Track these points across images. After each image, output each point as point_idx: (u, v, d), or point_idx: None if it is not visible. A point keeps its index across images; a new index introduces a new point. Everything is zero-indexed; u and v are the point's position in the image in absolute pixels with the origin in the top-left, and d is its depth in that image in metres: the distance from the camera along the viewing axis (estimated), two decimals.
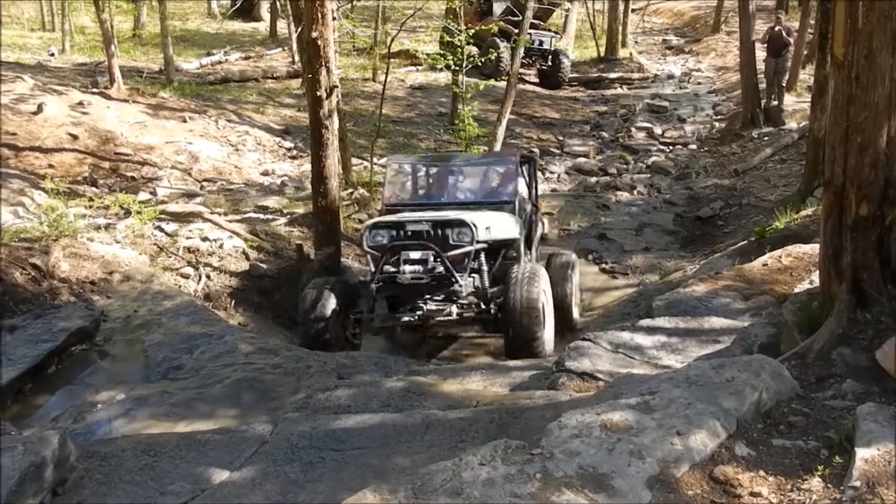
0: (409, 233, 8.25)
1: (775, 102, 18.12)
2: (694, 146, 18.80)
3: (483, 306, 8.31)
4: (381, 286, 8.17)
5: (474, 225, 8.19)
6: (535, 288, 7.95)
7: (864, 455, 3.51)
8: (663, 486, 3.47)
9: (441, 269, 8.00)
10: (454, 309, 8.16)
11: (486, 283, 8.46)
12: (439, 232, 8.21)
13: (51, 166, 13.11)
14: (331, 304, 8.39)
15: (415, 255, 8.08)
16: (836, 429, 3.85)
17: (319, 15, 9.17)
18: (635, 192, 15.83)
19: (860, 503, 3.29)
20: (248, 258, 10.86)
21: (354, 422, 5.48)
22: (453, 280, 8.03)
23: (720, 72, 25.68)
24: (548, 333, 8.14)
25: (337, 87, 9.93)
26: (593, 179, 16.63)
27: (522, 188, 10.07)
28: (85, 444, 5.35)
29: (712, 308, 7.44)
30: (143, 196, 12.45)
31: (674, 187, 16.01)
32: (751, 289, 7.68)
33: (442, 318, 8.23)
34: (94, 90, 16.61)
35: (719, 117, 20.61)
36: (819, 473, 3.55)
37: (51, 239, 8.84)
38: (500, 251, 8.99)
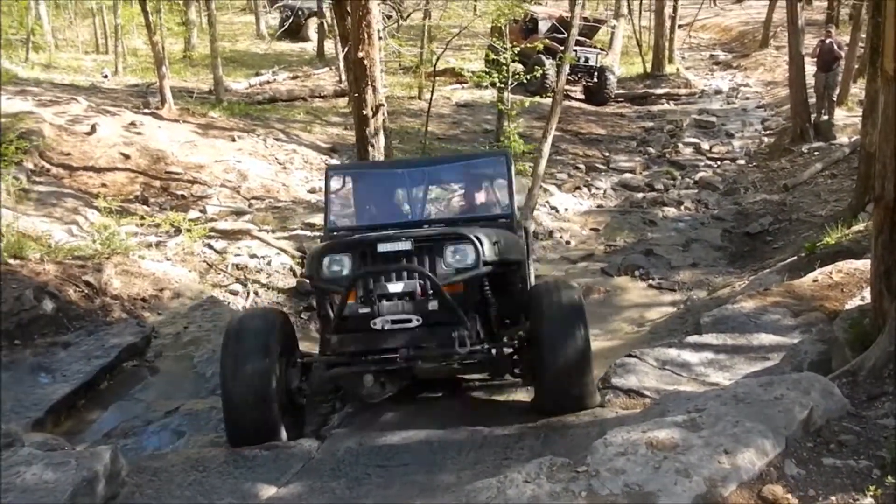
0: (383, 256, 5.64)
1: (825, 117, 17.89)
2: (742, 161, 18.61)
3: (492, 347, 5.81)
4: (343, 339, 5.65)
5: (478, 240, 5.70)
6: (579, 319, 5.67)
7: None
8: None
9: (435, 304, 5.56)
10: (457, 350, 5.57)
11: (495, 321, 6.14)
12: (426, 252, 5.70)
13: (104, 185, 13.36)
14: (269, 355, 5.54)
15: (395, 286, 5.60)
16: (888, 448, 3.78)
17: (366, 35, 9.29)
18: (682, 207, 15.70)
19: None
20: (295, 275, 10.98)
21: (400, 438, 5.50)
22: (456, 320, 5.56)
23: (769, 87, 25.42)
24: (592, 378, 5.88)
25: (383, 105, 10.03)
26: (640, 195, 16.53)
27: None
28: (136, 460, 5.45)
29: (761, 324, 7.35)
30: (193, 214, 12.64)
31: (721, 203, 15.85)
32: (800, 305, 7.58)
33: (434, 364, 5.83)
34: (146, 111, 16.95)
35: (768, 132, 20.37)
36: (871, 494, 3.48)
37: (103, 257, 9.02)
38: (504, 279, 6.43)
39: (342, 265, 5.71)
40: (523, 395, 6.51)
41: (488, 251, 5.75)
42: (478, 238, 5.69)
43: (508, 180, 7.17)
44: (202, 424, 6.51)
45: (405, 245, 5.60)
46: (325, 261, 5.75)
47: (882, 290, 4.94)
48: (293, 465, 5.24)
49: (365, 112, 9.58)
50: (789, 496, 3.50)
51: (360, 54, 9.34)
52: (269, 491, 4.86)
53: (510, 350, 6.01)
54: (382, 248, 5.61)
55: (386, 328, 5.54)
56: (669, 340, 7.47)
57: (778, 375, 4.67)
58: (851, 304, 6.33)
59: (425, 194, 7.62)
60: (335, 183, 7.37)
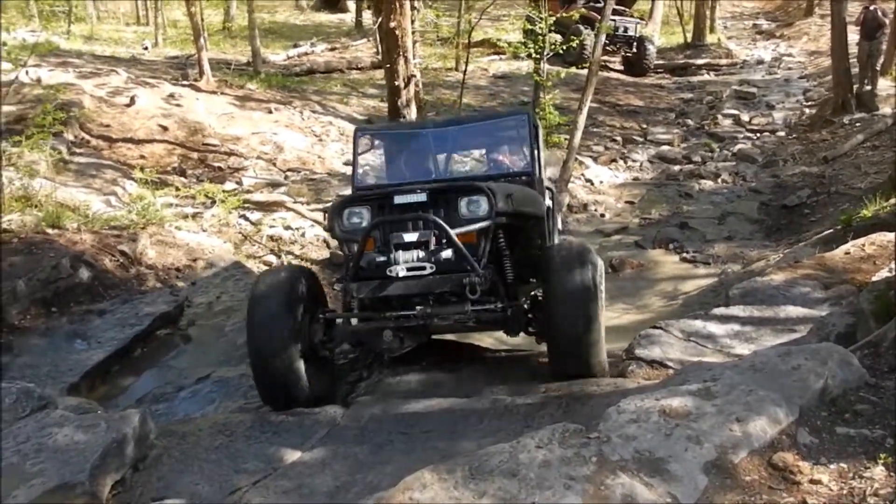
0: (399, 207, 5.85)
1: (868, 87, 17.56)
2: (782, 133, 18.35)
3: (506, 304, 5.90)
4: (360, 286, 5.75)
5: (491, 191, 5.77)
6: (591, 274, 5.66)
7: None
8: (720, 472, 3.46)
9: (449, 253, 5.71)
10: (469, 308, 5.73)
11: (510, 274, 6.18)
12: (441, 205, 5.87)
13: (142, 157, 13.55)
14: (291, 309, 5.78)
15: (410, 236, 5.79)
16: None
17: (398, 5, 9.32)
18: (719, 180, 15.55)
19: None
20: (328, 246, 11.07)
21: (423, 406, 5.58)
22: (468, 268, 5.61)
23: (812, 56, 25.02)
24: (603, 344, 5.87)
25: (415, 76, 10.08)
26: (676, 168, 16.40)
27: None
28: (165, 424, 5.58)
29: (790, 297, 7.29)
30: (230, 186, 12.79)
31: (759, 175, 15.66)
32: (831, 278, 7.51)
33: (448, 322, 5.94)
34: (185, 82, 17.13)
35: (810, 103, 20.05)
36: (883, 462, 3.49)
37: (139, 227, 9.18)
38: (521, 234, 6.57)
39: (361, 217, 5.90)
40: (546, 370, 6.54)
41: (502, 203, 5.83)
42: (491, 190, 5.77)
43: (530, 139, 7.26)
44: (232, 391, 6.64)
45: (420, 197, 5.80)
46: (345, 213, 5.92)
47: None
48: (318, 430, 5.34)
49: (397, 83, 9.63)
50: (800, 463, 3.52)
51: (392, 24, 9.37)
52: (293, 455, 4.96)
53: (525, 308, 6.13)
54: (399, 199, 5.82)
55: (401, 275, 5.66)
56: (695, 312, 7.46)
57: (797, 346, 4.66)
58: (879, 275, 6.28)
59: (449, 153, 7.90)
60: (363, 143, 7.59)
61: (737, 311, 6.88)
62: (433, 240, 5.75)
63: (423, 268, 5.67)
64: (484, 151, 8.07)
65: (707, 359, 5.90)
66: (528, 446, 3.66)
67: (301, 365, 5.78)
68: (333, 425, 5.42)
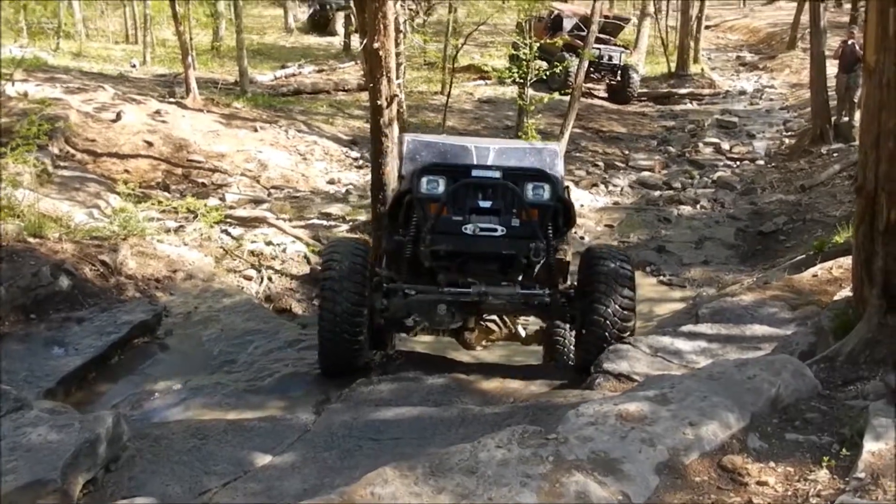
0: (476, 179, 6.63)
1: (846, 118, 17.83)
2: (762, 162, 18.64)
3: (553, 291, 6.90)
4: (436, 238, 6.47)
5: (556, 178, 6.78)
6: (631, 285, 6.73)
7: (871, 448, 3.58)
8: (671, 472, 3.59)
9: (517, 222, 6.48)
10: (519, 290, 6.77)
11: (554, 259, 6.90)
12: (509, 184, 6.56)
13: (126, 171, 13.67)
14: (365, 277, 6.62)
15: (485, 203, 6.53)
16: (850, 425, 3.91)
17: (381, 26, 9.42)
18: (698, 206, 15.76)
19: (863, 493, 3.36)
20: (309, 262, 11.20)
21: (393, 414, 5.68)
22: (532, 236, 6.46)
23: (794, 88, 25.35)
24: None
25: (397, 96, 10.18)
26: (657, 193, 16.61)
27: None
28: (139, 426, 5.66)
29: (758, 317, 7.44)
30: (213, 201, 12.90)
31: (738, 202, 15.89)
32: (798, 299, 7.67)
33: (502, 301, 6.79)
34: (171, 100, 17.27)
35: (789, 134, 20.36)
36: (826, 465, 3.62)
37: (120, 238, 9.27)
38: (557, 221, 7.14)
39: (437, 184, 6.63)
40: (517, 383, 6.67)
41: (560, 190, 6.78)
42: (556, 176, 6.80)
43: (558, 158, 7.91)
44: (207, 399, 6.71)
45: (494, 173, 6.63)
46: (424, 179, 6.64)
47: (863, 278, 5.05)
48: (289, 436, 5.42)
49: (379, 102, 9.73)
50: (748, 466, 3.65)
51: (376, 45, 9.48)
52: (263, 459, 5.04)
53: (570, 295, 7.02)
54: (476, 172, 6.66)
55: (476, 233, 6.42)
56: (664, 329, 7.61)
57: (754, 358, 4.80)
58: (840, 295, 6.44)
59: (490, 155, 8.20)
60: (407, 147, 8.07)
61: (704, 328, 7.03)
62: (504, 208, 6.50)
63: (496, 230, 6.44)
64: (521, 158, 8.39)
65: (672, 373, 6.03)
66: (488, 446, 3.77)
67: (365, 331, 6.61)
68: (304, 431, 5.50)
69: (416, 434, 5.32)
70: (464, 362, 7.91)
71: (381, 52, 9.57)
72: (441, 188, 6.58)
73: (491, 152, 8.03)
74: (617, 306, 6.58)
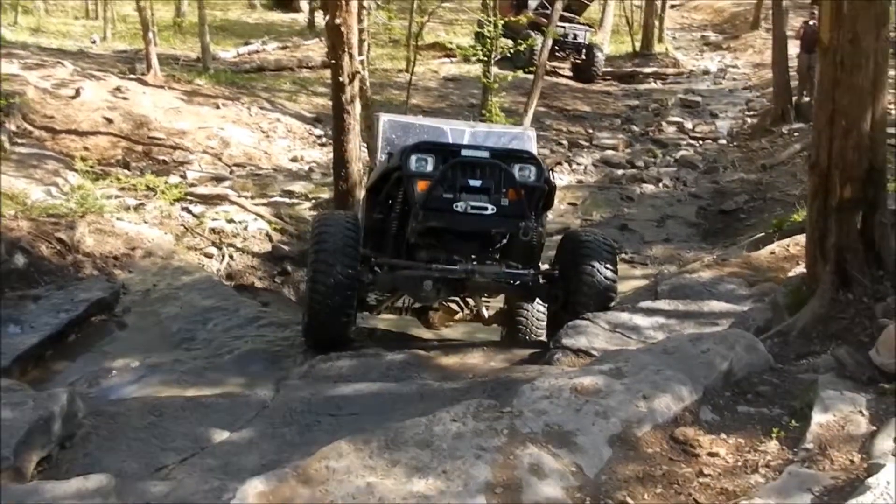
0: (465, 158, 6.66)
1: (807, 98, 17.98)
2: (724, 141, 18.78)
3: (537, 271, 7.14)
4: (428, 214, 6.54)
5: (541, 161, 6.91)
6: (614, 264, 7.07)
7: (819, 420, 3.65)
8: (624, 444, 3.63)
9: (506, 201, 6.55)
10: (504, 269, 6.90)
11: (535, 240, 7.00)
12: (501, 164, 6.63)
13: (86, 149, 13.49)
14: (356, 252, 6.66)
15: (475, 182, 6.58)
16: (800, 398, 3.97)
17: (343, 2, 9.39)
18: (661, 184, 15.86)
19: (811, 463, 3.42)
20: (271, 240, 11.14)
21: (352, 390, 5.67)
22: (522, 215, 6.53)
23: (757, 68, 25.50)
24: None
25: (359, 73, 10.15)
26: (620, 172, 16.68)
27: None
28: (95, 403, 5.60)
29: (716, 293, 7.51)
30: (174, 179, 12.75)
31: (700, 181, 16.00)
32: (756, 276, 7.75)
33: (487, 279, 6.87)
34: (132, 76, 17.06)
35: (752, 113, 20.51)
36: (776, 436, 3.68)
37: (77, 216, 9.16)
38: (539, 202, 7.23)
39: (426, 162, 6.63)
40: (477, 359, 6.69)
41: (546, 172, 6.85)
42: (541, 158, 6.96)
43: (533, 141, 8.43)
44: (166, 376, 6.66)
45: (484, 153, 6.70)
46: (413, 157, 6.64)
47: (816, 255, 5.13)
48: (247, 412, 5.39)
49: (341, 79, 9.71)
50: (700, 437, 3.70)
51: (337, 21, 9.45)
52: (221, 435, 5.01)
53: (553, 275, 7.22)
54: (465, 152, 6.69)
55: (467, 211, 6.47)
56: (623, 305, 7.65)
57: (708, 332, 4.85)
58: (794, 272, 6.52)
59: (468, 137, 8.42)
60: (383, 126, 8.37)
61: (663, 304, 7.09)
62: (493, 188, 6.54)
63: (486, 208, 6.50)
64: (497, 140, 8.57)
65: (631, 349, 6.08)
66: (444, 420, 3.79)
67: (353, 304, 6.70)
68: (263, 407, 5.48)
69: (375, 409, 5.32)
70: (424, 339, 7.93)
71: (342, 28, 9.55)
72: (430, 166, 6.62)
73: (467, 135, 8.30)
74: (602, 285, 6.83)
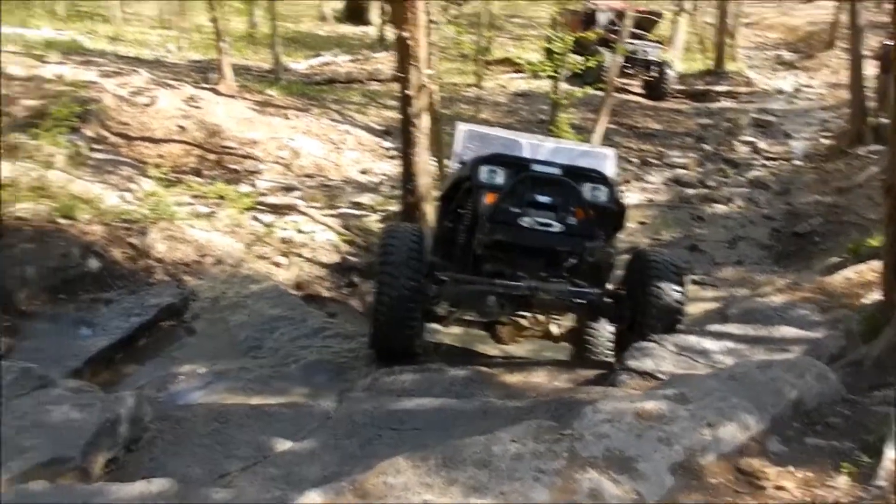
0: (536, 173, 6.62)
1: (885, 120, 17.57)
2: (798, 162, 18.40)
3: (604, 291, 7.00)
4: (494, 227, 6.48)
5: (614, 181, 6.89)
6: (682, 286, 6.90)
7: (892, 456, 3.53)
8: (687, 473, 3.56)
9: (574, 220, 6.50)
10: (569, 287, 6.73)
11: (604, 260, 6.96)
12: (570, 182, 6.58)
13: (160, 156, 13.76)
14: (422, 264, 6.67)
15: (544, 198, 6.53)
16: (874, 432, 3.85)
17: (411, 15, 9.45)
18: (733, 205, 15.59)
19: (883, 501, 3.31)
20: (338, 251, 11.23)
21: (415, 404, 5.67)
22: (589, 235, 6.51)
23: (832, 88, 24.98)
24: None
25: (426, 86, 10.17)
26: (691, 191, 16.44)
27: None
28: (161, 408, 5.70)
29: (787, 319, 7.35)
30: (244, 188, 12.94)
31: (773, 202, 15.71)
32: (830, 301, 7.58)
33: (549, 297, 6.70)
34: (206, 86, 17.35)
35: (827, 134, 20.07)
36: (847, 472, 3.57)
37: (149, 221, 9.33)
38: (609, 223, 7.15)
39: (497, 174, 6.60)
40: (541, 378, 6.65)
41: (617, 193, 6.83)
42: (613, 181, 6.85)
43: (612, 161, 8.36)
44: (232, 383, 6.74)
45: (555, 170, 6.65)
46: (484, 168, 6.64)
47: (892, 281, 4.99)
48: (310, 422, 5.43)
49: (409, 92, 9.77)
50: (766, 469, 3.61)
51: (405, 34, 9.52)
52: (284, 445, 5.04)
53: (620, 295, 7.06)
54: (537, 167, 6.67)
55: (533, 227, 6.45)
56: (691, 328, 7.53)
57: (778, 359, 4.75)
58: (869, 299, 6.35)
59: (543, 152, 8.42)
60: (462, 135, 8.50)
61: (732, 328, 6.96)
62: (562, 205, 6.50)
63: (552, 225, 6.46)
64: (574, 158, 8.48)
65: (698, 373, 5.97)
66: (503, 440, 3.76)
67: (418, 316, 6.69)
68: (326, 418, 5.51)
69: (436, 425, 5.31)
70: (489, 355, 7.90)
71: (410, 42, 9.61)
72: (500, 179, 6.58)
73: (543, 149, 8.32)
74: (670, 307, 6.68)
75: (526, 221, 6.44)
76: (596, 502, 3.35)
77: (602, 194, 6.61)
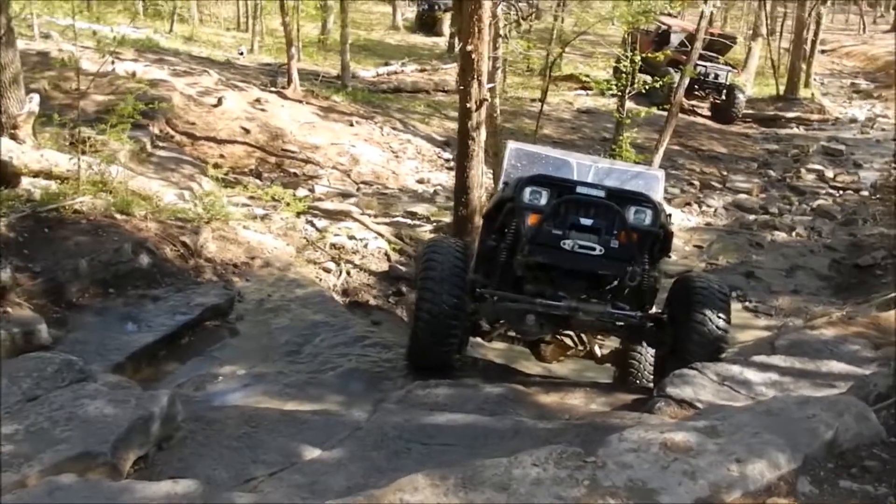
0: (580, 195, 6.58)
1: None
2: (866, 193, 18.00)
3: (645, 314, 6.88)
4: (534, 249, 6.50)
5: (659, 205, 6.77)
6: (727, 314, 6.69)
7: None
8: None
9: (616, 243, 6.45)
10: (610, 310, 6.67)
11: (647, 284, 6.85)
12: (613, 205, 6.53)
13: (222, 156, 13.97)
14: (464, 279, 6.69)
15: (586, 221, 6.49)
16: None
17: (476, 29, 9.43)
18: (794, 233, 15.29)
19: None
20: (389, 259, 11.25)
21: (446, 419, 5.62)
22: (630, 259, 6.46)
23: None
24: None
25: (487, 100, 10.15)
26: (752, 217, 16.17)
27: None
28: (195, 409, 5.74)
29: (837, 353, 7.13)
30: (302, 192, 13.05)
31: (836, 232, 15.35)
32: (883, 338, 7.34)
33: (589, 318, 6.69)
34: (272, 89, 17.58)
35: None
36: None
37: (203, 221, 9.44)
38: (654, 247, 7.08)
39: (540, 196, 6.58)
40: (577, 400, 6.55)
41: (662, 217, 6.71)
42: (658, 204, 6.72)
43: (660, 185, 8.17)
44: (269, 387, 6.78)
45: (599, 192, 6.57)
46: (527, 189, 6.61)
47: None
48: (340, 431, 5.42)
49: (469, 105, 9.74)
50: None
51: (469, 47, 9.49)
52: (312, 453, 5.05)
53: (662, 319, 6.92)
54: (581, 189, 6.60)
55: (574, 249, 6.40)
56: (735, 357, 7.36)
57: (818, 396, 4.60)
58: None
59: (591, 174, 8.30)
60: (510, 154, 8.36)
61: (778, 360, 6.76)
62: (605, 228, 6.44)
63: (594, 248, 6.40)
64: (621, 180, 8.44)
65: (738, 404, 5.83)
66: (525, 463, 3.69)
67: (456, 333, 6.72)
68: (356, 429, 5.49)
69: (466, 442, 5.26)
70: (525, 373, 7.82)
71: (473, 55, 9.58)
72: (544, 200, 6.56)
73: (592, 170, 8.18)
74: (713, 335, 6.52)
75: (567, 244, 6.41)
76: None
77: (646, 218, 6.52)
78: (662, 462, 3.66)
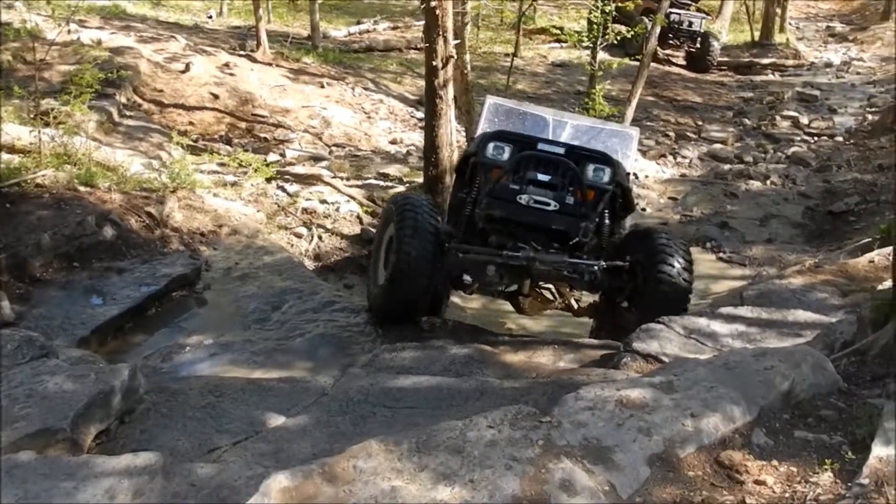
0: (540, 152, 6.85)
1: None
2: (841, 138, 17.95)
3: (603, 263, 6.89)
4: (491, 203, 6.75)
5: (617, 163, 7.03)
6: (690, 265, 6.84)
7: (879, 453, 3.37)
8: (664, 465, 3.45)
9: (572, 199, 6.71)
10: (567, 259, 6.81)
11: (605, 239, 7.13)
12: (570, 163, 6.77)
13: (191, 123, 13.80)
14: (437, 230, 6.85)
15: (543, 176, 6.74)
16: (866, 426, 3.71)
17: None
18: (768, 182, 15.25)
19: (864, 500, 3.17)
20: (361, 222, 11.18)
21: (411, 382, 5.60)
22: (584, 215, 6.70)
23: (883, 62, 24.35)
24: None
25: (453, 57, 10.03)
26: (726, 167, 16.11)
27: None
28: (159, 380, 5.71)
29: (805, 302, 7.16)
30: (273, 157, 12.92)
31: (811, 179, 15.34)
32: (851, 285, 7.36)
33: (549, 267, 6.82)
34: (241, 53, 17.34)
35: (873, 110, 19.56)
36: (831, 468, 3.44)
37: (168, 190, 9.33)
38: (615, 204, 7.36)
39: (502, 151, 6.95)
40: (545, 358, 6.55)
41: (620, 176, 7.00)
42: (616, 162, 6.99)
43: (632, 143, 8.36)
44: (236, 355, 6.75)
45: (559, 149, 6.92)
46: (490, 145, 6.99)
47: None
48: (306, 398, 5.39)
49: (435, 63, 9.64)
50: (748, 463, 3.49)
51: (433, 3, 9.38)
52: (277, 420, 5.02)
53: (620, 268, 7.02)
54: (541, 146, 6.94)
55: (529, 204, 6.68)
56: (701, 310, 7.37)
57: (775, 347, 4.60)
58: (884, 285, 6.14)
59: (564, 130, 8.39)
60: (488, 108, 8.47)
61: (744, 311, 6.78)
62: (560, 185, 6.73)
63: (549, 204, 6.69)
64: (593, 138, 8.53)
65: (704, 357, 5.83)
66: (480, 425, 3.67)
67: (431, 283, 6.91)
68: (322, 394, 5.47)
69: (431, 404, 5.25)
70: (494, 332, 7.80)
71: (437, 11, 9.48)
72: (506, 156, 6.86)
73: (567, 127, 8.31)
74: (677, 272, 6.70)
75: (523, 199, 6.66)
76: (566, 494, 3.25)
77: (604, 175, 6.80)
78: (618, 419, 3.65)
